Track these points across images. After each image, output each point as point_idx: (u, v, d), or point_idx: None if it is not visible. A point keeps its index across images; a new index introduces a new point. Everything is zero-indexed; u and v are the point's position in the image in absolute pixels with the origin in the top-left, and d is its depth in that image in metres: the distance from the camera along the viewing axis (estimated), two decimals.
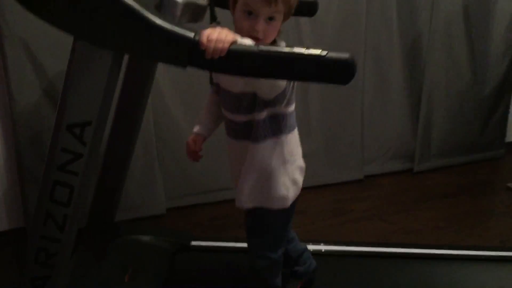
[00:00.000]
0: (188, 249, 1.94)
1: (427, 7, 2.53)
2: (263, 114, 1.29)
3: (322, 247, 1.95)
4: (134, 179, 2.23)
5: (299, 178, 1.44)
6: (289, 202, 1.42)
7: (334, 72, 1.02)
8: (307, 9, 1.60)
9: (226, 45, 1.01)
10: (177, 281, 1.77)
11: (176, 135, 2.32)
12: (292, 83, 1.30)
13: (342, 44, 2.42)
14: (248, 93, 1.29)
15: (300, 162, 1.44)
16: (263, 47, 1.02)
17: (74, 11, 0.98)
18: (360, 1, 2.40)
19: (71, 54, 1.05)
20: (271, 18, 1.21)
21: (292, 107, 1.35)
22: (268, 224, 1.46)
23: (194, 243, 1.98)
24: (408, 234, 2.26)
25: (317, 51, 1.01)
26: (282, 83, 1.23)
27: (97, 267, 1.71)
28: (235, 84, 1.28)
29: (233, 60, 1.01)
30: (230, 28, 1.13)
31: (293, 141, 1.40)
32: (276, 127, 1.33)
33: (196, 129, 1.49)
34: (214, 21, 1.31)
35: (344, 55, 1.01)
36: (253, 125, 1.32)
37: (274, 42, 1.27)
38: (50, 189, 1.14)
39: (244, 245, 1.94)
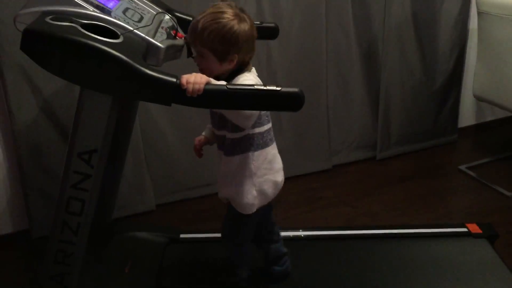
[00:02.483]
0: (178, 242, 2.14)
1: (379, 14, 2.70)
2: (234, 135, 1.52)
3: (290, 233, 2.12)
4: (126, 181, 2.43)
5: (268, 190, 1.62)
6: (254, 209, 1.62)
7: (287, 102, 1.30)
8: (269, 33, 1.83)
9: (202, 86, 1.27)
10: (170, 270, 1.98)
11: (161, 140, 2.52)
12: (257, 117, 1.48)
13: (306, 50, 2.61)
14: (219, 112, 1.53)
15: (271, 176, 1.61)
16: (230, 86, 1.29)
17: (80, 68, 1.24)
18: (320, 12, 2.56)
19: (79, 98, 1.31)
20: (201, 55, 1.46)
21: (260, 129, 1.54)
22: (235, 223, 1.71)
23: (183, 236, 2.17)
24: (370, 216, 2.49)
25: (273, 87, 1.28)
26: (248, 122, 1.45)
27: (100, 261, 1.93)
28: None
29: (208, 97, 1.28)
30: None
31: (261, 157, 1.57)
32: (244, 145, 1.54)
33: (203, 132, 1.74)
34: (190, 56, 1.57)
35: (295, 89, 1.28)
36: (225, 140, 1.55)
37: (233, 75, 1.47)
38: (66, 203, 1.41)
39: None
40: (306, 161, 2.84)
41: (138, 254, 2.03)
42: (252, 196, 1.60)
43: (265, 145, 1.57)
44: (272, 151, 1.61)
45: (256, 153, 1.56)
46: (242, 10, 1.49)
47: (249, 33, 1.45)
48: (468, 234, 2.14)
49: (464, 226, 2.19)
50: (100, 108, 1.30)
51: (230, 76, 1.49)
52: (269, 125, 1.59)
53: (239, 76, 1.47)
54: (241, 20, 1.44)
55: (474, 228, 2.17)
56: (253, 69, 1.55)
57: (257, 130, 1.54)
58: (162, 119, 2.50)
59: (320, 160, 2.88)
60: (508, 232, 2.31)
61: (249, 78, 1.46)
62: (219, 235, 2.16)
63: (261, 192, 1.61)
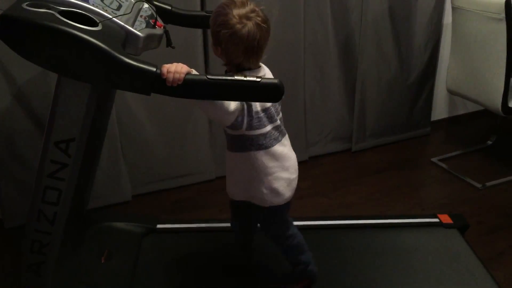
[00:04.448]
0: (155, 232, 2.14)
1: (357, 7, 2.72)
2: (232, 132, 1.51)
3: None
4: (102, 171, 2.40)
5: (280, 188, 1.58)
6: (266, 204, 1.60)
7: (267, 93, 1.31)
8: None
9: (182, 75, 1.27)
10: (147, 260, 1.98)
11: (137, 129, 2.50)
12: (247, 115, 1.46)
13: (284, 42, 2.60)
14: None
15: (281, 174, 1.57)
16: (211, 76, 1.29)
17: (58, 56, 1.22)
18: (298, 4, 2.56)
19: (56, 86, 1.29)
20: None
21: (258, 131, 1.51)
22: (261, 216, 1.69)
23: (159, 226, 2.17)
24: (346, 207, 2.53)
25: (253, 78, 1.29)
26: (229, 118, 1.43)
27: (76, 251, 1.91)
28: None
29: (188, 87, 1.28)
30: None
31: (265, 157, 1.53)
32: (243, 145, 1.52)
33: None
34: (169, 45, 1.57)
35: (274, 80, 1.29)
36: (227, 136, 1.55)
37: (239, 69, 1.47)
38: (42, 192, 1.39)
39: (204, 225, 2.22)
40: None
41: (114, 244, 2.02)
42: (260, 193, 1.58)
43: (269, 145, 1.54)
44: (280, 149, 1.57)
45: (259, 152, 1.53)
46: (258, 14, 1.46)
47: (238, 34, 1.41)
48: (440, 224, 2.20)
49: (436, 217, 2.25)
50: (78, 97, 1.28)
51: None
52: (274, 125, 1.55)
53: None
54: (241, 18, 1.41)
55: (445, 218, 2.23)
56: (262, 68, 1.54)
57: (257, 132, 1.51)
58: (139, 108, 2.48)
59: (296, 151, 2.80)
60: (478, 222, 2.38)
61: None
62: (196, 225, 2.21)
63: (272, 190, 1.58)
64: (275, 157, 1.56)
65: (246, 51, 1.44)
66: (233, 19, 1.40)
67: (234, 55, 1.44)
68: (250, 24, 1.41)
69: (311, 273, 1.83)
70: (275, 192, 1.59)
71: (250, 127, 1.49)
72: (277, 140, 1.56)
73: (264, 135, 1.52)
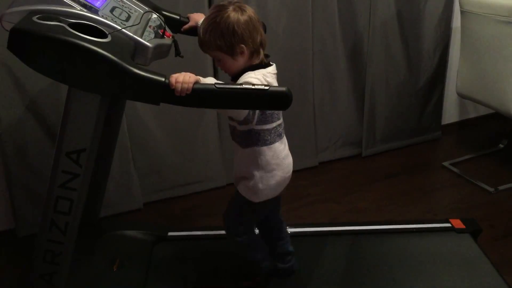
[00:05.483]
0: (166, 239, 2.15)
1: (365, 13, 2.73)
2: (241, 127, 1.54)
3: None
4: (113, 180, 2.42)
5: (275, 185, 1.63)
6: (256, 199, 1.64)
7: (275, 101, 1.32)
8: None
9: (191, 85, 1.28)
10: (158, 268, 1.99)
11: (147, 138, 2.52)
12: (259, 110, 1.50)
13: (292, 49, 2.62)
14: None
15: (280, 172, 1.61)
16: (219, 85, 1.30)
17: (68, 68, 1.24)
18: (306, 11, 2.57)
19: (67, 97, 1.31)
20: (216, 59, 1.52)
21: (265, 126, 1.54)
22: (237, 208, 1.72)
23: (171, 233, 2.17)
24: (356, 212, 2.53)
25: (261, 86, 1.30)
26: (241, 113, 1.46)
27: (88, 259, 1.93)
28: None
29: (196, 96, 1.29)
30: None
31: (269, 153, 1.57)
32: (251, 140, 1.56)
33: None
34: (178, 55, 1.58)
35: (282, 89, 1.30)
36: (235, 132, 1.58)
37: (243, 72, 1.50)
38: (54, 202, 1.40)
39: (215, 232, 2.22)
40: (292, 158, 2.80)
41: (126, 253, 2.03)
42: (257, 188, 1.61)
43: (273, 141, 1.58)
44: (281, 147, 1.61)
45: (263, 148, 1.56)
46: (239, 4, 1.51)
47: (244, 20, 1.46)
48: (452, 229, 2.18)
49: (448, 222, 2.23)
50: (89, 108, 1.30)
51: (241, 72, 1.50)
52: (278, 122, 1.59)
53: (244, 75, 1.48)
54: (234, 10, 1.46)
55: (457, 223, 2.21)
56: (271, 67, 1.56)
57: (265, 126, 1.55)
58: (149, 117, 2.49)
59: (306, 157, 2.90)
60: (491, 227, 2.36)
61: (250, 77, 1.45)
62: (207, 232, 2.21)
63: (268, 187, 1.62)
64: (276, 154, 1.59)
65: (259, 27, 1.51)
66: (231, 15, 1.45)
67: (256, 36, 1.48)
68: (242, 7, 1.48)
69: (264, 271, 1.86)
70: (270, 188, 1.62)
71: (260, 121, 1.53)
72: (280, 137, 1.60)
73: (270, 130, 1.56)
